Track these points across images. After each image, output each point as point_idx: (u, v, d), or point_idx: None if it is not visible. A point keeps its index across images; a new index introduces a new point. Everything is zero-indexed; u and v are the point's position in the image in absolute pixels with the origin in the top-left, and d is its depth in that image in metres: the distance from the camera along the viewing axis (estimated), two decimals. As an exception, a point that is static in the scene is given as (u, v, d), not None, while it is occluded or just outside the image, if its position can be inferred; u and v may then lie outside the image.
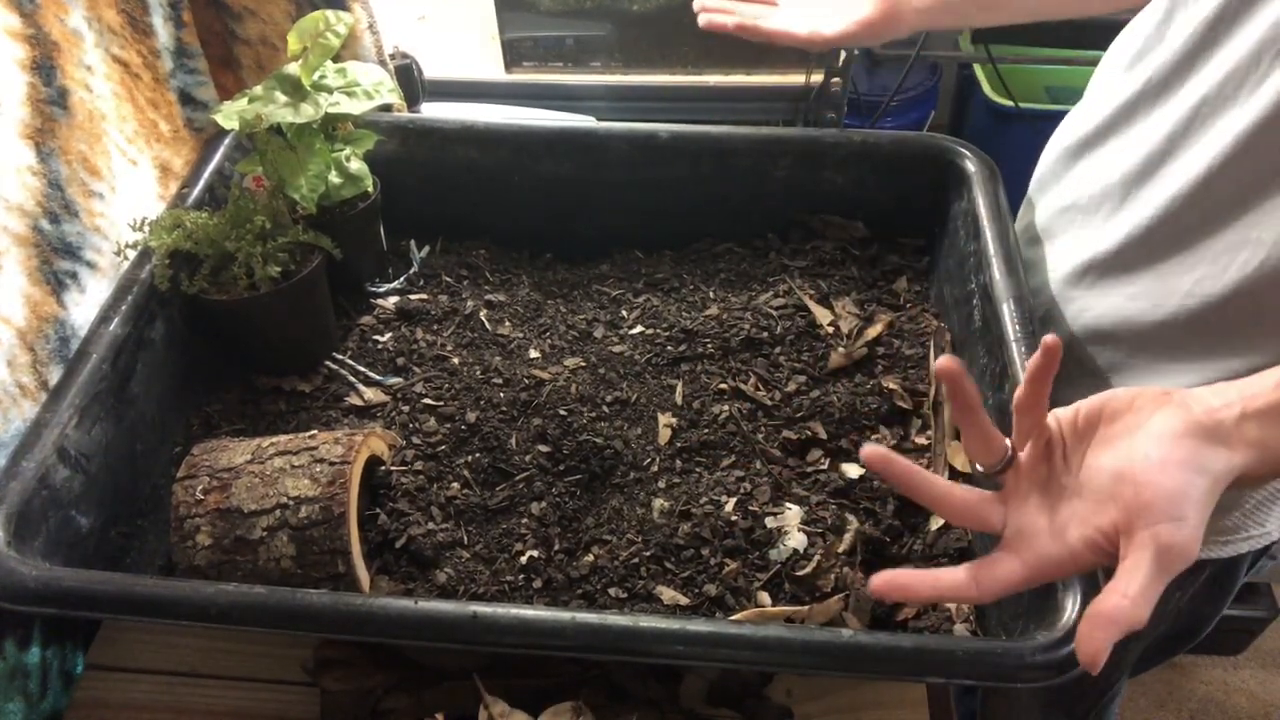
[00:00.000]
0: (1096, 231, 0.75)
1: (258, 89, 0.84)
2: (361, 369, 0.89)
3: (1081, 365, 0.78)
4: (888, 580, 0.51)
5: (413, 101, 1.23)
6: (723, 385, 0.86)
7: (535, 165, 0.98)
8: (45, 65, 0.76)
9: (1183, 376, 0.68)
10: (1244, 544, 0.78)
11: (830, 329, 0.91)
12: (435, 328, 0.93)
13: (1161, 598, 0.47)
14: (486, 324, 0.93)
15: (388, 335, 0.92)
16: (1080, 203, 0.77)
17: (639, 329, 0.92)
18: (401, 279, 0.98)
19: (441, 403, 0.85)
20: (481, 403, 0.84)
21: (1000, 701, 0.93)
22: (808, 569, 0.72)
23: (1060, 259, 0.80)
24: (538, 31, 1.59)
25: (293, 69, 0.84)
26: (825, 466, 0.80)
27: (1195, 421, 0.46)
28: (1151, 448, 0.46)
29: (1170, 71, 0.67)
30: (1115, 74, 0.74)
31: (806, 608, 0.69)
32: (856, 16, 0.81)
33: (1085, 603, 0.58)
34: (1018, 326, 0.75)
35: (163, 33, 0.91)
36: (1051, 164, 0.84)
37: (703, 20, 0.86)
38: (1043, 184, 0.86)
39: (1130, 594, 0.43)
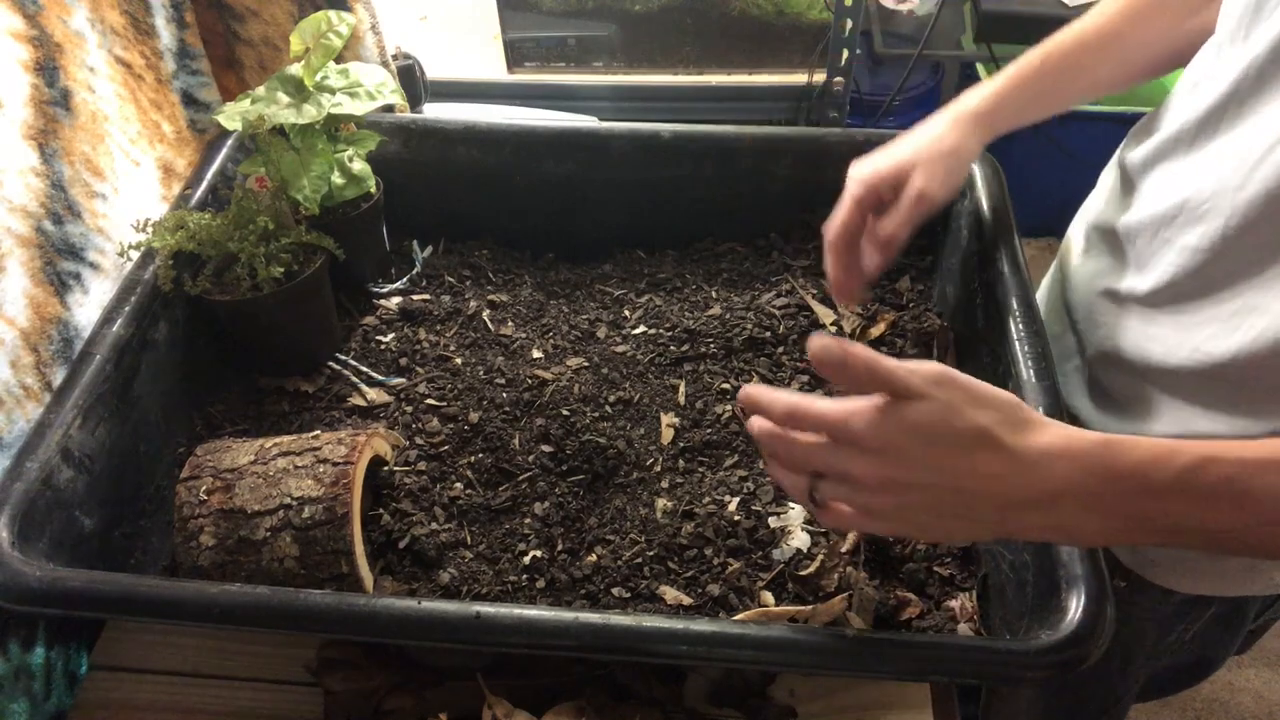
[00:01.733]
0: (1132, 264, 0.73)
1: (260, 90, 0.84)
2: (364, 369, 0.89)
3: (1097, 384, 0.77)
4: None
5: (415, 102, 1.23)
6: (725, 385, 0.86)
7: (537, 165, 0.98)
8: (48, 66, 0.76)
9: (1195, 423, 0.67)
10: (1251, 586, 0.77)
11: (833, 328, 0.91)
12: (438, 328, 0.93)
13: (1164, 630, 0.48)
14: (489, 324, 0.93)
15: (390, 335, 0.92)
16: (1131, 227, 0.74)
17: (641, 329, 0.92)
18: (404, 279, 0.98)
19: (444, 403, 0.85)
20: (484, 403, 0.84)
21: (999, 712, 0.93)
22: (811, 569, 0.72)
23: (1099, 276, 0.78)
24: (540, 32, 1.59)
25: (295, 70, 0.84)
26: (828, 466, 0.80)
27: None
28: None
29: (1212, 113, 0.64)
30: (1182, 89, 0.71)
31: (810, 607, 0.69)
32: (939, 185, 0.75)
33: (1089, 605, 0.58)
34: (1021, 326, 0.75)
35: (165, 34, 0.91)
36: (1114, 178, 0.81)
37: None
38: (1094, 199, 0.84)
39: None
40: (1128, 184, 0.76)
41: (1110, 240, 0.76)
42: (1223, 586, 0.77)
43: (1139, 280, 0.71)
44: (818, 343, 0.50)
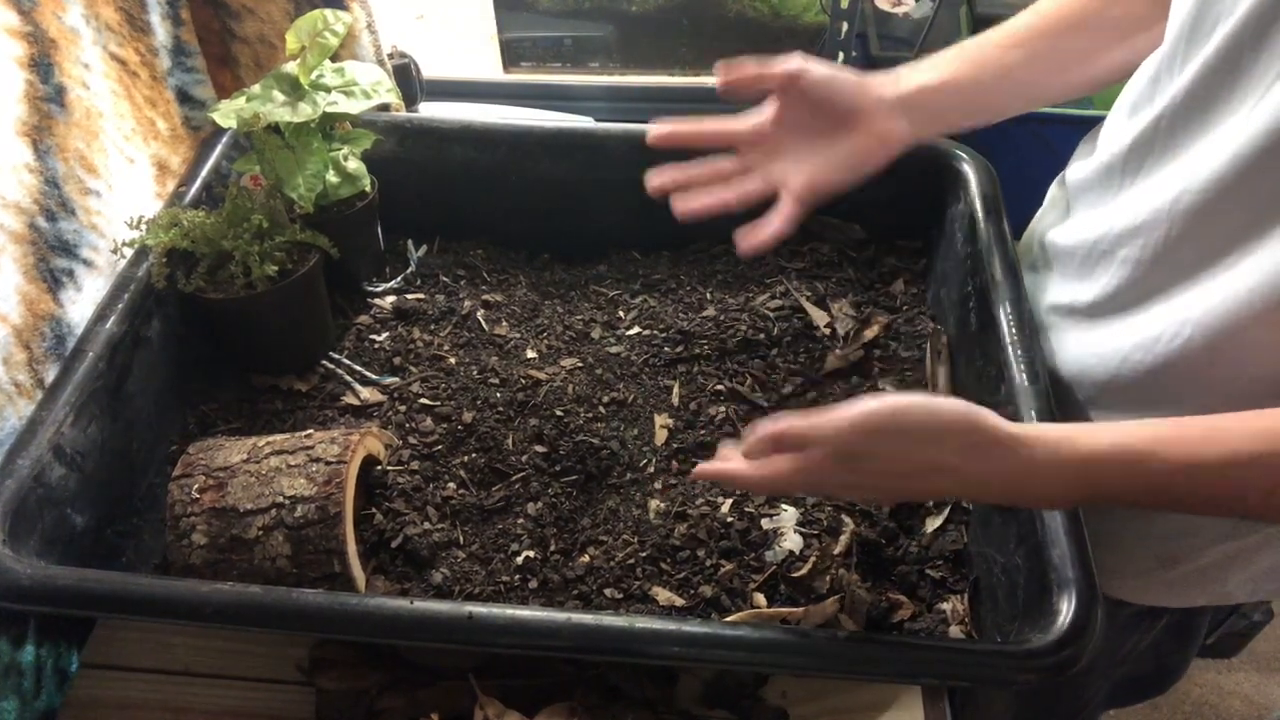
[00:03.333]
0: (1074, 279, 0.75)
1: (256, 88, 0.84)
2: (358, 368, 0.89)
3: (1066, 392, 0.78)
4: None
5: (411, 101, 1.23)
6: (719, 386, 0.86)
7: (533, 165, 0.98)
8: (43, 62, 0.76)
9: None
10: (1199, 597, 0.78)
11: (827, 331, 0.91)
12: (432, 327, 0.93)
13: (1120, 640, 0.53)
14: (483, 324, 0.93)
15: (384, 335, 0.92)
16: (1069, 248, 0.76)
17: (636, 330, 0.92)
18: (399, 279, 0.98)
19: (438, 402, 0.85)
20: (478, 403, 0.84)
21: (972, 709, 0.93)
22: (803, 570, 0.72)
23: (1047, 292, 0.80)
24: (536, 32, 1.59)
25: (291, 68, 0.84)
26: (821, 468, 0.80)
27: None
28: None
29: (1150, 140, 0.66)
30: (1119, 116, 0.72)
31: (802, 609, 0.69)
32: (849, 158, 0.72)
33: (1080, 608, 0.58)
34: (1014, 329, 0.75)
35: (161, 30, 0.91)
36: (1053, 198, 0.83)
37: (654, 192, 0.75)
38: (1042, 216, 0.85)
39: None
40: (1071, 202, 0.77)
41: (1055, 256, 0.77)
42: (1170, 598, 0.78)
43: (1080, 293, 0.73)
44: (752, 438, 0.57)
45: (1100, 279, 0.70)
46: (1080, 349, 0.74)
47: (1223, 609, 0.82)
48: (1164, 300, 0.64)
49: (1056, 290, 0.78)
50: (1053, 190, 0.84)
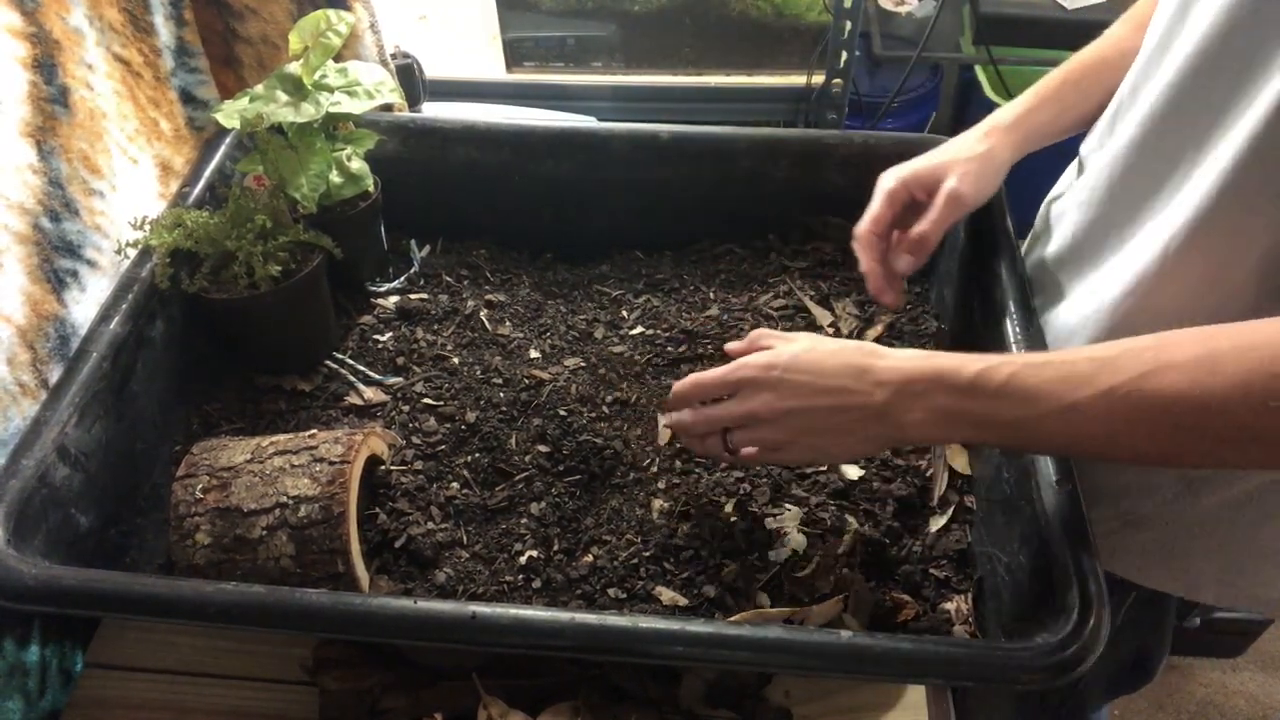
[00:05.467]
0: (1050, 240, 0.80)
1: (259, 88, 0.84)
2: (361, 368, 0.89)
3: None
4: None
5: (414, 101, 1.23)
6: (723, 386, 0.86)
7: (536, 165, 0.98)
8: (46, 63, 0.76)
9: None
10: (1169, 582, 0.79)
11: (830, 330, 0.91)
12: (435, 327, 0.93)
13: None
14: (487, 324, 0.93)
15: (388, 335, 0.92)
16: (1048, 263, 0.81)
17: (639, 329, 0.92)
18: (402, 279, 0.98)
19: (441, 402, 0.85)
20: (481, 403, 0.84)
21: (975, 710, 0.94)
22: (807, 570, 0.72)
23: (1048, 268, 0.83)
24: (539, 31, 1.59)
25: (294, 68, 0.84)
26: (824, 468, 0.80)
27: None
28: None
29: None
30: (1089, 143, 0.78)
31: (805, 609, 0.69)
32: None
33: (1085, 607, 0.58)
34: (1017, 329, 0.75)
35: (164, 31, 0.91)
36: (1043, 214, 0.86)
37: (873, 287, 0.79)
38: (1035, 235, 0.88)
39: None
40: (1052, 222, 0.81)
41: (1056, 217, 0.81)
42: (1137, 572, 0.79)
43: (1056, 250, 0.79)
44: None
45: (1064, 230, 0.76)
46: (1073, 317, 0.75)
47: (1184, 602, 0.83)
48: (1132, 232, 0.68)
49: (1050, 259, 0.81)
50: (1042, 209, 0.88)
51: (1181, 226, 0.63)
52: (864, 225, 0.77)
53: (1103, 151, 0.73)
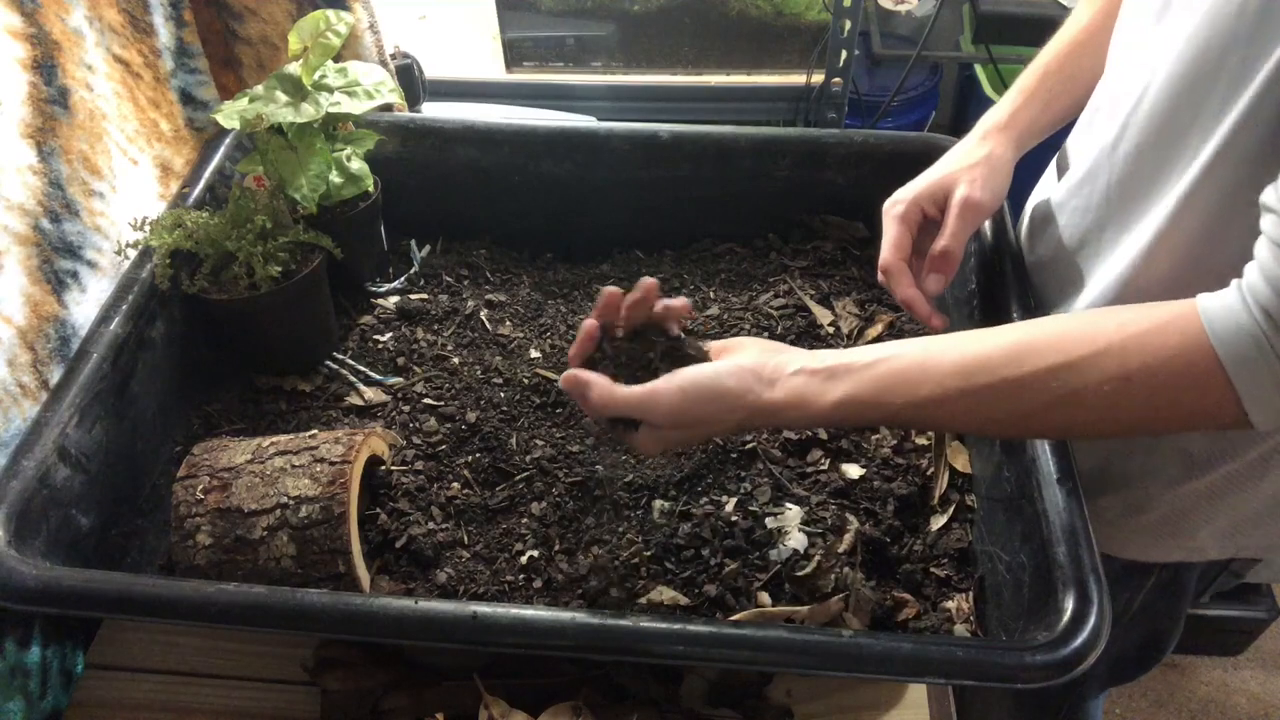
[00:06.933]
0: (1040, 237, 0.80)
1: (258, 88, 0.84)
2: (362, 369, 0.89)
3: None
4: None
5: (413, 101, 1.23)
6: (723, 385, 0.86)
7: (536, 165, 0.98)
8: (46, 64, 0.76)
9: None
10: (1175, 552, 0.78)
11: (831, 329, 0.91)
12: (436, 327, 0.93)
13: (1111, 598, 0.59)
14: (487, 324, 0.93)
15: (388, 335, 0.92)
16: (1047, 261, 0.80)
17: (639, 329, 0.92)
18: (402, 279, 0.98)
19: (442, 402, 0.85)
20: (482, 403, 0.84)
21: (973, 700, 0.94)
22: (808, 569, 0.72)
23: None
24: (538, 31, 1.59)
25: (293, 69, 0.84)
26: (825, 467, 0.80)
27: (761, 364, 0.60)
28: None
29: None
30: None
31: (807, 608, 0.69)
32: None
33: (1085, 606, 0.58)
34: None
35: (163, 32, 0.91)
36: (1029, 218, 0.86)
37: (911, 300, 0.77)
38: (1025, 236, 0.87)
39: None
40: (1059, 164, 0.80)
41: (1047, 217, 0.80)
42: (1146, 550, 0.79)
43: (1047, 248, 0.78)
44: (562, 379, 0.63)
45: (1057, 232, 0.75)
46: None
47: (1212, 566, 0.82)
48: (1130, 232, 0.67)
49: (1045, 262, 0.80)
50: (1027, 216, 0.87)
51: (1179, 225, 0.62)
52: (886, 255, 0.75)
53: (1094, 153, 0.72)
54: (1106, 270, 0.70)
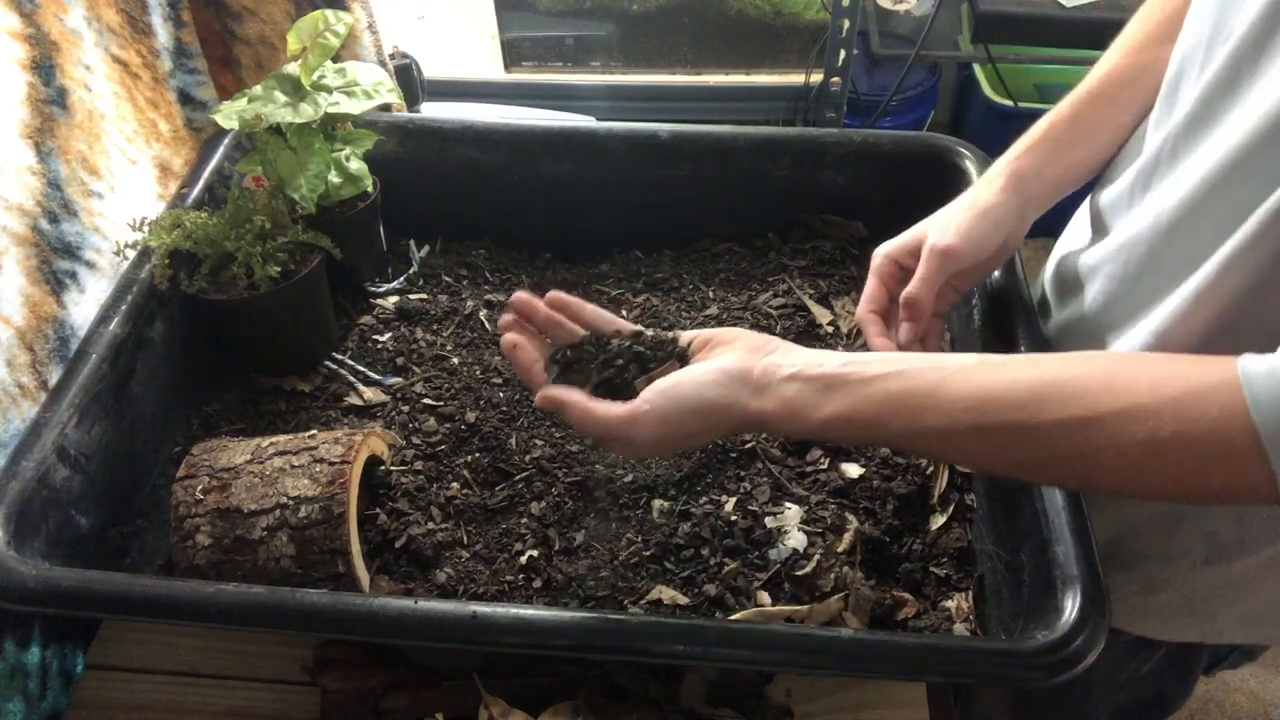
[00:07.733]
0: (1071, 295, 0.76)
1: (257, 89, 0.84)
2: (361, 369, 0.89)
3: None
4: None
5: (412, 101, 1.23)
6: (722, 385, 0.86)
7: (535, 165, 0.98)
8: (45, 65, 0.76)
9: None
10: (1191, 633, 0.77)
11: (830, 329, 0.91)
12: (435, 327, 0.93)
13: (1118, 666, 0.55)
14: (486, 324, 0.93)
15: (387, 335, 0.92)
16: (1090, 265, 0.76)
17: (639, 329, 0.92)
18: (401, 279, 0.98)
19: (441, 402, 0.85)
20: (481, 402, 0.84)
21: (974, 704, 0.93)
22: (807, 569, 0.72)
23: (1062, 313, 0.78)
24: (537, 31, 1.59)
25: (292, 69, 0.84)
26: (825, 466, 0.80)
27: (745, 368, 0.58)
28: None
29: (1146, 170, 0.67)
30: (1141, 135, 0.72)
31: (806, 607, 0.69)
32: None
33: (1085, 606, 0.58)
34: (1018, 331, 0.75)
35: (162, 32, 0.91)
36: (1079, 218, 0.81)
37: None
38: (1052, 296, 0.83)
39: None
40: (1093, 223, 0.76)
41: (1075, 279, 0.76)
42: (1159, 629, 0.77)
43: (1075, 308, 0.74)
44: (538, 399, 0.63)
45: (1085, 295, 0.71)
46: None
47: (1222, 650, 0.81)
48: (1172, 297, 0.63)
49: (1064, 309, 0.77)
50: (1081, 210, 0.82)
51: (1222, 284, 0.58)
52: (859, 308, 0.75)
53: (1136, 215, 0.67)
54: (1139, 328, 0.66)
